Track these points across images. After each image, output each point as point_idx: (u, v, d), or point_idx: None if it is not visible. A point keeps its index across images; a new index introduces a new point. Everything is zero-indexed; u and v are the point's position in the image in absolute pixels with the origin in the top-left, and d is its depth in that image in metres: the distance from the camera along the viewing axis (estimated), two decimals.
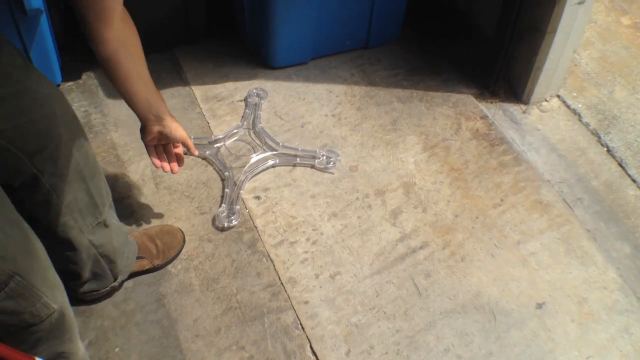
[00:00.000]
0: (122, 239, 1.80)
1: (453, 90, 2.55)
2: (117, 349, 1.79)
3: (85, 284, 1.77)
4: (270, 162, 2.22)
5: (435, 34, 2.80)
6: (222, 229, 2.04)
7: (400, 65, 2.66)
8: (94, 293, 1.82)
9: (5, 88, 1.30)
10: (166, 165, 1.82)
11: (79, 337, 1.53)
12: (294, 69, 2.60)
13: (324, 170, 2.21)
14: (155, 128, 1.68)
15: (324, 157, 2.23)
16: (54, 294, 1.32)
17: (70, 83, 2.50)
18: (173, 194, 2.15)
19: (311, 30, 2.50)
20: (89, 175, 1.56)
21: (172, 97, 2.44)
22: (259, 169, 2.21)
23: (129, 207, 2.10)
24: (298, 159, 2.23)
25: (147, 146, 1.78)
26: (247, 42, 2.65)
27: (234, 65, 2.61)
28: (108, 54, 1.45)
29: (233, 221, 2.04)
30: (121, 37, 1.44)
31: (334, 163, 2.23)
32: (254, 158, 2.23)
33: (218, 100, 2.46)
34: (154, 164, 1.81)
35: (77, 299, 1.83)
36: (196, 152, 1.86)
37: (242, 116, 2.39)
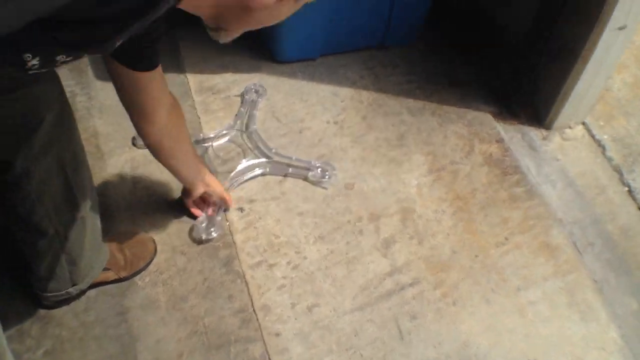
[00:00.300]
0: (94, 245, 1.76)
1: (470, 106, 2.44)
2: None
3: (41, 281, 1.73)
4: (259, 171, 2.14)
5: (460, 41, 2.69)
6: (200, 242, 1.97)
7: (416, 72, 2.55)
8: (50, 296, 1.77)
9: None
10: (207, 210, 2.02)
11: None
12: (300, 65, 2.52)
13: (317, 184, 2.13)
14: (201, 190, 1.90)
15: (319, 170, 2.15)
16: None
17: None
18: (151, 195, 2.09)
19: (322, 23, 2.40)
20: (71, 167, 1.53)
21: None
22: (247, 177, 2.13)
23: (103, 205, 2.01)
24: (290, 169, 2.15)
25: (186, 202, 1.99)
26: (253, 31, 2.55)
27: (237, 54, 2.52)
28: (151, 142, 1.61)
29: (212, 234, 1.98)
30: (165, 129, 1.57)
31: (329, 177, 2.15)
32: (243, 164, 2.16)
33: (213, 93, 2.38)
34: (195, 214, 2.01)
35: (36, 302, 1.81)
36: (232, 205, 2.05)
37: (236, 114, 2.30)
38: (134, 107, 1.49)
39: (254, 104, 2.32)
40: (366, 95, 2.44)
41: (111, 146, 2.19)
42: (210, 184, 1.91)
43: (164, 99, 1.52)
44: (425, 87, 2.50)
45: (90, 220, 1.67)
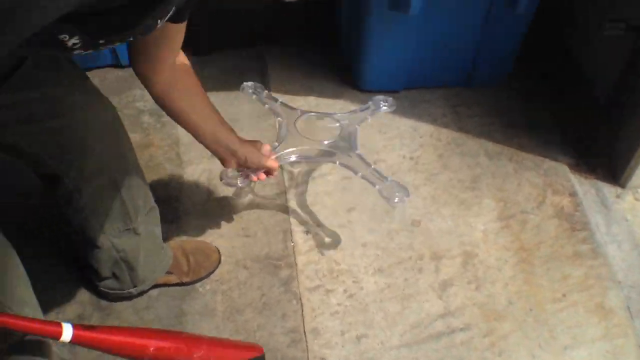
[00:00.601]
0: (153, 250, 1.93)
1: (548, 155, 2.53)
2: None
3: (104, 280, 1.92)
4: (331, 158, 2.04)
5: (546, 87, 2.78)
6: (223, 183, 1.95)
7: (498, 114, 2.66)
8: (112, 293, 1.97)
9: (23, 91, 1.38)
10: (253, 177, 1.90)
11: (56, 352, 1.63)
12: (383, 95, 2.63)
13: (386, 200, 1.95)
14: (232, 161, 1.81)
15: (391, 185, 1.96)
16: (22, 310, 1.42)
17: None
18: (223, 208, 2.26)
19: (408, 56, 2.54)
20: (124, 184, 1.69)
21: (249, 102, 2.52)
22: (316, 158, 2.15)
23: (174, 212, 2.22)
24: (361, 174, 1.98)
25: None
26: (340, 56, 2.70)
27: (322, 78, 2.68)
28: (157, 93, 1.60)
29: (239, 183, 1.91)
30: (172, 80, 1.58)
31: (398, 200, 1.93)
32: (321, 145, 2.07)
33: None
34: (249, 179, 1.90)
35: (99, 294, 2.01)
36: (275, 173, 1.92)
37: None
38: (145, 55, 1.50)
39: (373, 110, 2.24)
40: (445, 134, 2.56)
41: (191, 155, 2.37)
42: (240, 154, 1.78)
43: (176, 53, 1.56)
44: (506, 130, 2.60)
45: (145, 232, 1.84)
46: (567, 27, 2.82)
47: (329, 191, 2.35)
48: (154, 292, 2.04)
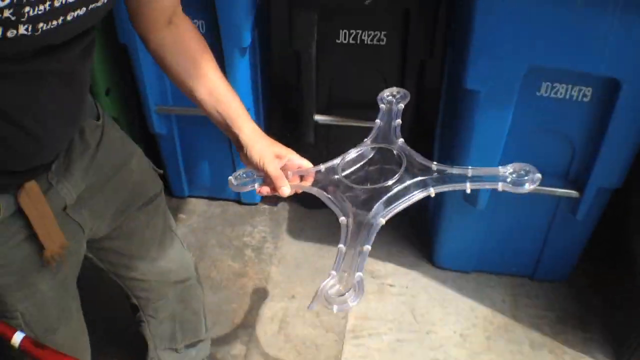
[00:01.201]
0: None
1: (588, 353, 2.79)
2: None
3: None
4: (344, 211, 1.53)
5: (604, 289, 3.03)
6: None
7: (553, 308, 2.96)
8: None
9: (130, 246, 1.85)
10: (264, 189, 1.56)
11: None
12: (453, 274, 3.05)
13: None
14: (240, 151, 1.53)
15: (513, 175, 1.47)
16: None
17: (265, 205, 3.19)
18: (288, 342, 2.73)
19: (478, 244, 2.91)
20: (179, 320, 2.18)
21: (326, 257, 3.01)
22: (335, 207, 1.56)
23: (243, 336, 2.72)
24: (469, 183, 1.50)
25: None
26: (425, 229, 3.15)
27: (404, 247, 3.12)
28: (151, 50, 1.55)
29: (248, 187, 1.58)
30: (165, 41, 1.53)
31: (529, 183, 1.45)
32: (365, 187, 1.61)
33: (372, 277, 2.99)
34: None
35: None
36: (281, 191, 1.54)
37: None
38: (138, 15, 1.51)
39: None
40: (499, 319, 2.92)
41: (276, 292, 2.88)
42: (243, 140, 1.50)
43: (169, 13, 1.52)
44: (556, 325, 2.90)
45: (185, 351, 2.29)
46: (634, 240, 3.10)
47: (381, 349, 2.77)
48: None
